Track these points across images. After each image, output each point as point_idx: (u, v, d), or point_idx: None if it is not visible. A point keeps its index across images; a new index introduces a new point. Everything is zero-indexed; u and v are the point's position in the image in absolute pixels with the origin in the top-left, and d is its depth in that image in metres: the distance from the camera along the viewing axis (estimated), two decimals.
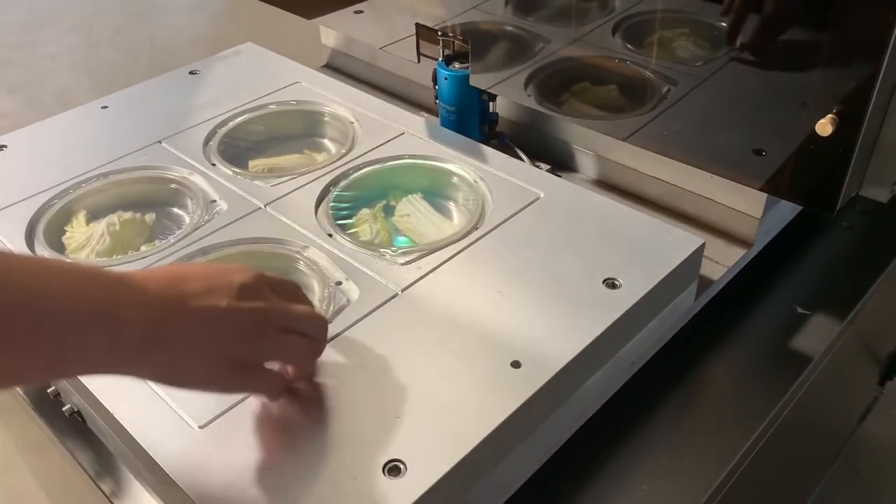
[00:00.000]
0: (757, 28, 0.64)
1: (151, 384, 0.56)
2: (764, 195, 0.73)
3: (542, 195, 0.74)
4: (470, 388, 0.55)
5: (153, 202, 0.80)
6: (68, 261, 0.44)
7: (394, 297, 0.64)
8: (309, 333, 0.54)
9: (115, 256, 0.71)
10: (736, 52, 0.65)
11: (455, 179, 0.79)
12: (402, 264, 0.67)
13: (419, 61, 0.91)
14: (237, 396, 0.55)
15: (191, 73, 0.98)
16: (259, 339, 0.51)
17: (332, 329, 0.59)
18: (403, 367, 0.57)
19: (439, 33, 0.86)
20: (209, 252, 0.70)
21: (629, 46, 0.75)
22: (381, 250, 0.68)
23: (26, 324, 0.42)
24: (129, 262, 0.69)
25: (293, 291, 0.56)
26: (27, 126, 0.89)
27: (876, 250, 0.86)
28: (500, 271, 0.65)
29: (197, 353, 0.48)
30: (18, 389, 0.73)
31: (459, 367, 0.57)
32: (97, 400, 0.56)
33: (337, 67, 1.14)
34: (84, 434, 0.65)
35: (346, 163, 0.80)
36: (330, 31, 1.12)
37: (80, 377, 0.57)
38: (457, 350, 0.58)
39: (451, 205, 0.79)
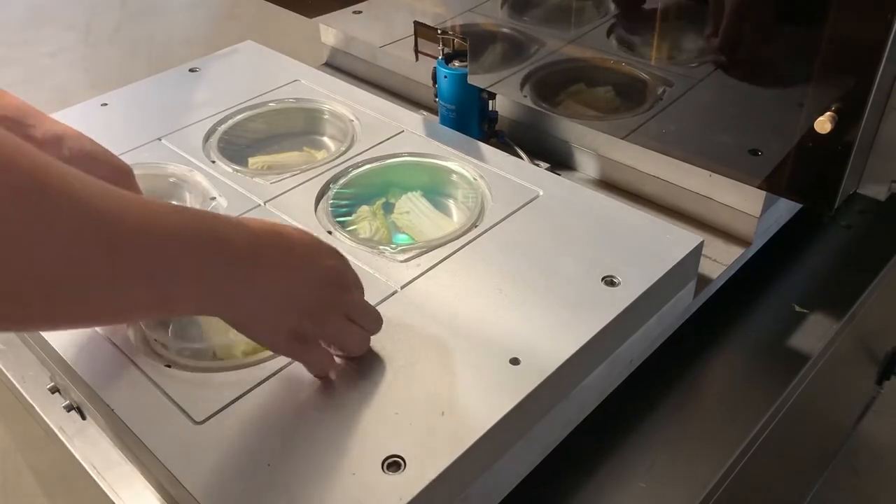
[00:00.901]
0: (754, 28, 0.64)
1: (151, 377, 0.57)
2: (763, 194, 0.73)
3: (541, 193, 0.74)
4: (469, 384, 0.55)
5: None
6: (172, 203, 0.47)
7: (393, 294, 0.64)
8: (366, 328, 0.57)
9: None
10: (731, 52, 0.66)
11: (454, 177, 0.79)
12: (402, 261, 0.67)
13: (417, 59, 0.91)
14: (237, 391, 0.55)
15: (191, 70, 0.98)
16: (327, 318, 0.54)
17: None
18: (403, 363, 0.57)
19: (439, 31, 0.87)
20: None
21: (624, 48, 0.75)
22: (381, 247, 0.69)
23: (142, 262, 0.43)
24: None
25: (362, 289, 0.59)
26: None
27: (874, 249, 0.86)
28: (499, 269, 0.65)
29: (271, 308, 0.51)
30: (18, 386, 0.73)
31: (458, 363, 0.57)
32: (97, 395, 0.57)
33: (337, 66, 1.14)
34: (83, 430, 0.65)
35: (346, 160, 0.80)
36: (330, 30, 1.13)
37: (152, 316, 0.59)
38: (456, 347, 0.58)
39: (451, 202, 0.79)
